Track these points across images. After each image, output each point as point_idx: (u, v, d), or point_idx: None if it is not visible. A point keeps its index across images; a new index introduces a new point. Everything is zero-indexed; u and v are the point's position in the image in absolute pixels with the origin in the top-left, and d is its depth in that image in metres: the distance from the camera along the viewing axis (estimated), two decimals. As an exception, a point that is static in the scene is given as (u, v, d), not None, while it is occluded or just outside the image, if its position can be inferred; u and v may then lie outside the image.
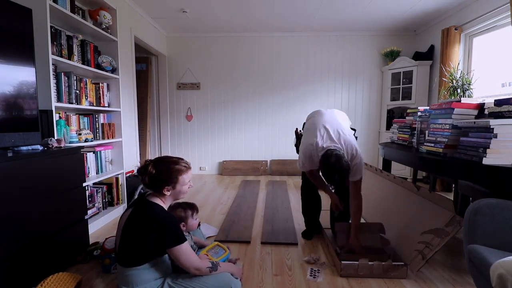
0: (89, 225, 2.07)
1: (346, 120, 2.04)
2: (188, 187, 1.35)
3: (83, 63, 2.38)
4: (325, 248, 2.03)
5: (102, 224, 2.47)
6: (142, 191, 3.09)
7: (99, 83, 2.62)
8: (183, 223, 1.45)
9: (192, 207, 1.54)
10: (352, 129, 2.00)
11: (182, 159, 1.35)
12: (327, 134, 1.81)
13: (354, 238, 1.84)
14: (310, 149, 1.81)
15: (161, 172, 1.26)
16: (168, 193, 1.28)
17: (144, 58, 4.63)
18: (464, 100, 1.77)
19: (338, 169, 1.60)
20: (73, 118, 2.38)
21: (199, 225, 1.62)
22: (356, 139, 1.94)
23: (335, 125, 1.86)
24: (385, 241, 1.88)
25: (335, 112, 2.03)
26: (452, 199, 2.69)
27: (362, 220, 2.50)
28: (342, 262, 1.67)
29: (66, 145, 1.97)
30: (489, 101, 1.72)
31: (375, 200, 2.52)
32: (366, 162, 3.26)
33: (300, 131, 2.32)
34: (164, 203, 1.29)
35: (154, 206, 1.23)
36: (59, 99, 2.14)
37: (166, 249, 1.16)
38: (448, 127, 1.76)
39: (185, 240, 1.20)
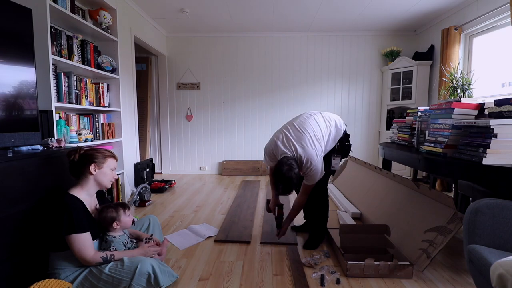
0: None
1: (324, 125, 1.93)
2: (112, 176, 1.49)
3: (83, 63, 2.38)
4: (329, 248, 2.04)
5: (102, 224, 2.47)
6: (141, 191, 3.10)
7: (99, 83, 2.62)
8: (116, 221, 1.47)
9: (123, 205, 1.55)
10: (346, 134, 2.02)
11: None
12: (285, 138, 1.83)
13: (285, 228, 2.01)
14: (273, 146, 1.87)
15: (91, 150, 1.44)
16: (94, 172, 1.39)
17: (144, 58, 4.63)
18: (464, 100, 1.77)
19: (285, 179, 1.69)
20: (73, 118, 2.38)
21: (133, 222, 1.67)
22: (345, 141, 2.00)
23: (299, 130, 1.85)
24: (389, 244, 1.87)
25: (315, 117, 1.97)
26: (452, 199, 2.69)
27: (367, 221, 2.50)
28: (348, 262, 1.66)
29: (66, 145, 1.97)
30: (489, 101, 1.72)
31: (376, 198, 2.52)
32: (366, 161, 3.27)
33: None
34: (84, 189, 1.40)
35: (64, 194, 1.36)
36: (59, 99, 2.14)
37: (64, 234, 1.26)
38: (448, 127, 1.76)
39: (85, 231, 1.30)
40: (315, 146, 1.80)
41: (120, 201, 1.67)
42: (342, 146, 1.99)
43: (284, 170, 1.69)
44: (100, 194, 1.59)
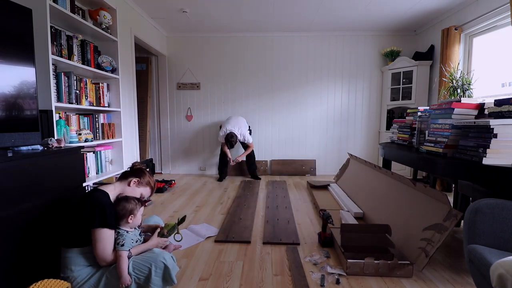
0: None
1: (244, 122, 4.25)
2: (145, 194, 1.57)
3: (83, 63, 2.38)
4: (329, 248, 2.03)
5: (102, 224, 2.46)
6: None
7: (99, 83, 2.63)
8: (132, 215, 1.42)
9: (141, 202, 1.52)
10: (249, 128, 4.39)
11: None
12: (231, 126, 4.09)
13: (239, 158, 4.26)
14: (224, 131, 4.07)
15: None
16: (134, 185, 1.51)
17: (144, 58, 4.63)
18: (464, 100, 1.77)
19: (230, 141, 3.97)
20: (73, 118, 2.38)
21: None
22: (250, 132, 4.37)
23: (236, 123, 4.15)
24: (390, 243, 1.87)
25: (239, 117, 4.32)
26: (452, 199, 2.69)
27: (369, 221, 2.50)
28: (348, 260, 1.66)
29: (66, 145, 1.97)
30: (489, 101, 1.72)
31: (377, 197, 2.52)
32: (366, 160, 3.27)
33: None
34: (115, 190, 1.47)
35: (96, 190, 1.40)
36: (59, 99, 2.14)
37: (93, 227, 1.27)
38: (448, 127, 1.76)
39: (112, 228, 1.32)
40: (244, 127, 4.16)
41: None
42: (249, 130, 4.33)
43: (229, 136, 3.97)
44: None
